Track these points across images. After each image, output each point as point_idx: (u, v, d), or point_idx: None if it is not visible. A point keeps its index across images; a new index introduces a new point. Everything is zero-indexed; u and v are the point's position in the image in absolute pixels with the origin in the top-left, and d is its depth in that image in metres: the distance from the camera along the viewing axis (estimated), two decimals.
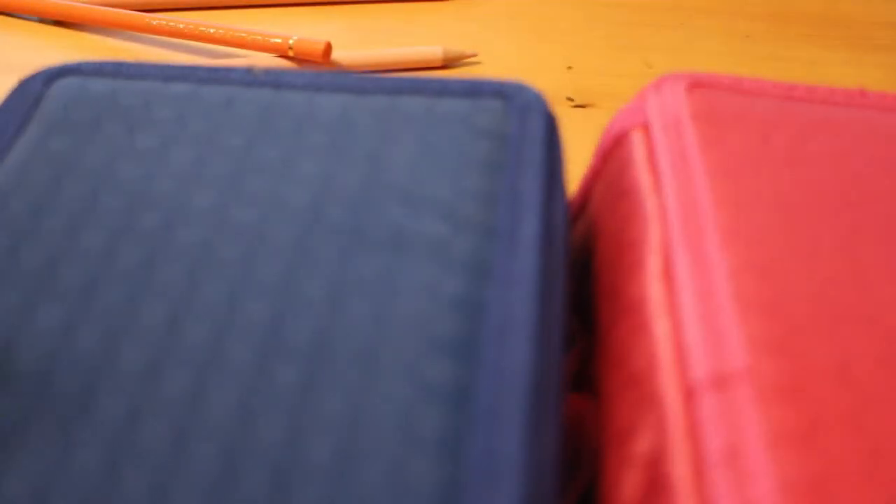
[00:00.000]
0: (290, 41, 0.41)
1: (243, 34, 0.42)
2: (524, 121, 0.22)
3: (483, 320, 0.18)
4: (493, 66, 0.43)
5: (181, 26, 0.42)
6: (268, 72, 0.23)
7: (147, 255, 0.19)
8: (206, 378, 0.17)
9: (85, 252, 0.19)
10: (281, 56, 0.42)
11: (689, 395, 0.17)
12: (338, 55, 0.42)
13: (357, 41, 0.44)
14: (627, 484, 0.17)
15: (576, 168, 0.35)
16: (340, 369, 0.17)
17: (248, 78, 0.23)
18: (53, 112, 0.22)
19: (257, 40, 0.42)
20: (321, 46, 0.41)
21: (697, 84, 0.23)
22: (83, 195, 0.20)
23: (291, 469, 0.16)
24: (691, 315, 0.18)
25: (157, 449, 0.16)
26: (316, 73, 0.23)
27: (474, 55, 0.43)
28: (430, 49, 0.42)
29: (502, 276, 0.18)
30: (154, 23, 0.43)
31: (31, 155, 0.21)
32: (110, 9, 0.44)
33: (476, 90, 0.23)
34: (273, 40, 0.42)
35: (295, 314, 0.18)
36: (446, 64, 0.43)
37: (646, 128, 0.23)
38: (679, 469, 0.16)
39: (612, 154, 0.23)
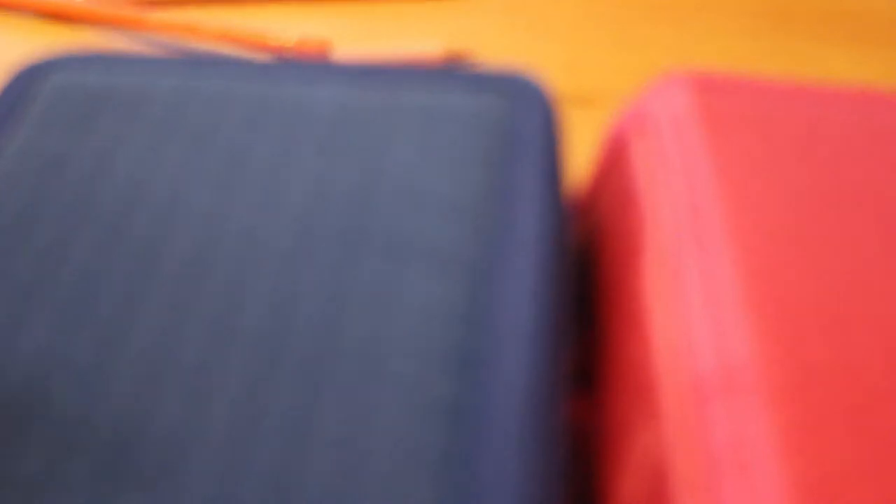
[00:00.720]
0: (289, 40, 0.41)
1: (241, 32, 0.42)
2: (525, 115, 0.22)
3: (483, 329, 0.18)
4: (493, 64, 0.43)
5: (178, 23, 0.42)
6: (265, 63, 0.23)
7: (140, 266, 0.19)
8: (201, 401, 0.17)
9: (77, 262, 0.19)
10: (279, 54, 0.42)
11: (693, 394, 0.17)
12: (337, 53, 0.42)
13: (356, 40, 0.44)
14: (628, 484, 0.17)
15: (577, 167, 0.35)
16: (339, 389, 0.17)
17: (244, 70, 0.23)
18: (45, 111, 0.22)
19: (255, 38, 0.42)
20: (320, 45, 0.41)
21: (701, 82, 0.23)
22: (75, 200, 0.20)
23: (289, 492, 0.15)
24: (695, 315, 0.18)
25: (153, 473, 0.16)
26: (314, 65, 0.23)
27: (474, 53, 0.43)
28: (430, 47, 0.42)
29: (502, 280, 0.18)
30: (151, 20, 0.43)
31: (23, 157, 0.21)
32: (107, 6, 0.44)
33: (477, 83, 0.23)
34: (271, 39, 0.42)
35: (292, 329, 0.18)
36: (446, 62, 0.43)
37: (649, 126, 0.23)
38: (682, 469, 0.16)
39: (613, 153, 0.23)
